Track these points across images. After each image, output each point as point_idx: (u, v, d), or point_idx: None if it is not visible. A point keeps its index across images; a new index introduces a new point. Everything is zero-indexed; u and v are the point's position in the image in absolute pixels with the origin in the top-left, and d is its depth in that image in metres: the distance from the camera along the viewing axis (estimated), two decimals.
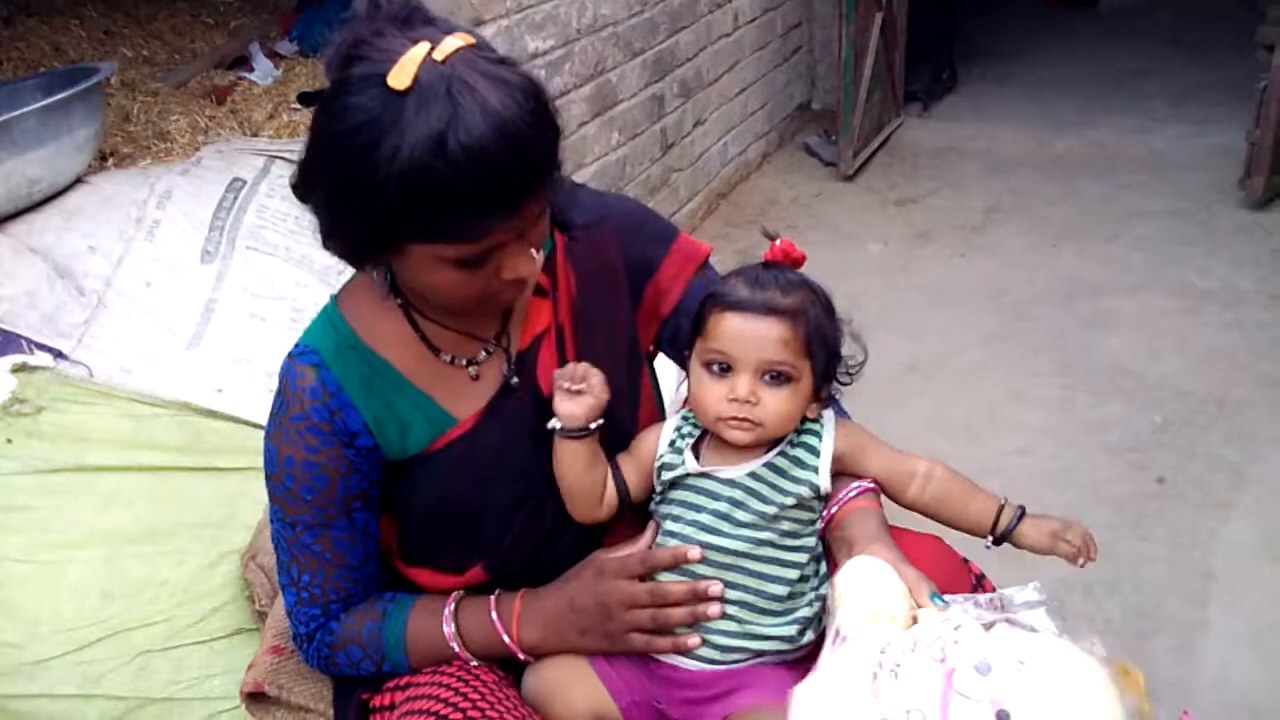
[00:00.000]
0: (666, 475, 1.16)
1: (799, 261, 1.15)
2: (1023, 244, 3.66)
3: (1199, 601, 2.07)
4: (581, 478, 1.16)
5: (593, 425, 1.14)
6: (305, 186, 1.00)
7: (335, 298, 1.17)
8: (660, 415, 1.31)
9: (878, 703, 0.90)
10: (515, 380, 1.18)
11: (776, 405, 1.10)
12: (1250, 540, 2.21)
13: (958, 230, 3.81)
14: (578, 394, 1.13)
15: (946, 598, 1.02)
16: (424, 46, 0.92)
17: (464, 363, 1.17)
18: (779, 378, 1.10)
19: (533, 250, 1.02)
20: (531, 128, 0.92)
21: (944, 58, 5.25)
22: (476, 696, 1.11)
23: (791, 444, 1.15)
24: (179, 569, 1.55)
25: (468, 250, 0.96)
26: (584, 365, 1.14)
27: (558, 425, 1.14)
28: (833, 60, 4.72)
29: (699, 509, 1.13)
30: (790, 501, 1.12)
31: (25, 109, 1.96)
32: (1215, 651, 1.95)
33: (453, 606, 1.18)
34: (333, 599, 1.19)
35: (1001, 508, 1.17)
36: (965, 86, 5.33)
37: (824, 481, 1.14)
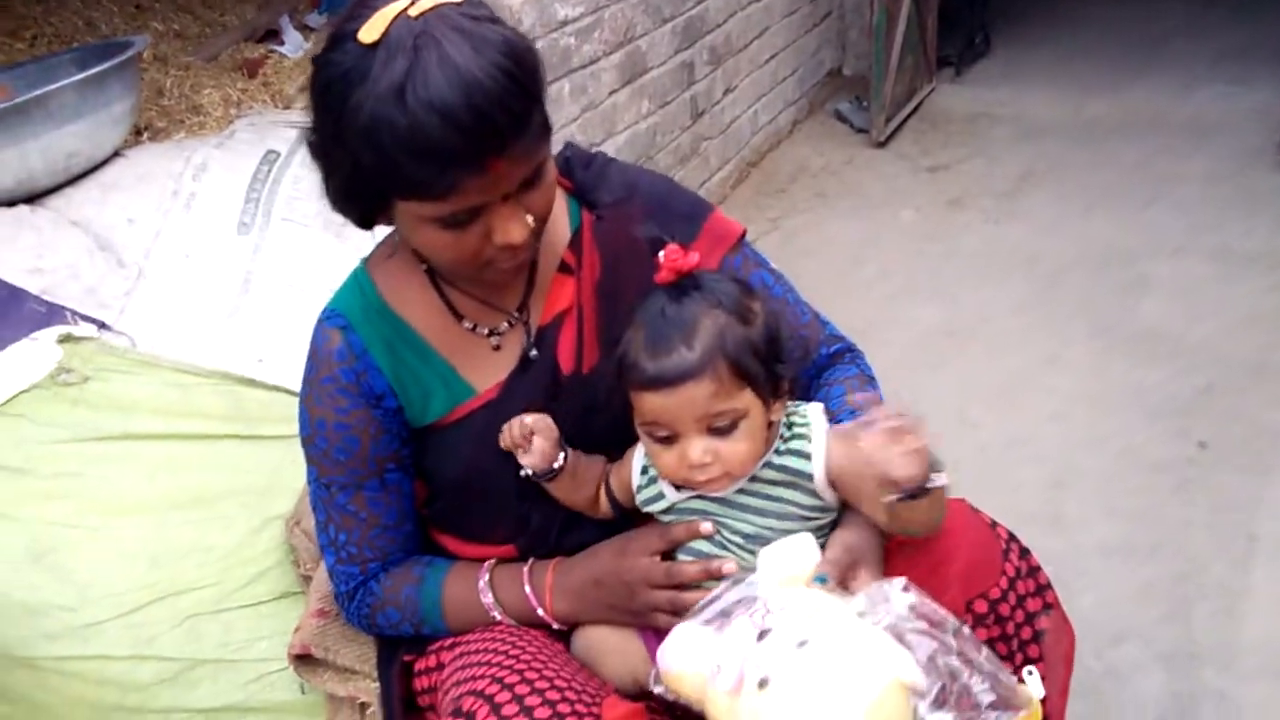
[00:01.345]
0: (651, 508, 1.14)
1: (694, 269, 1.04)
2: (1057, 210, 3.61)
3: (1242, 566, 2.05)
4: (573, 499, 1.18)
5: (556, 465, 1.13)
6: (310, 148, 1.04)
7: (365, 261, 1.19)
8: None
9: (711, 643, 0.94)
10: (534, 354, 1.18)
11: (736, 450, 1.04)
12: None
13: (991, 196, 3.77)
14: (526, 447, 1.12)
15: (868, 592, 0.96)
16: (401, 3, 0.93)
17: (486, 332, 1.18)
18: (726, 427, 1.03)
19: (528, 217, 1.01)
20: (498, 84, 0.91)
21: (977, 22, 5.17)
22: (531, 654, 1.12)
23: (778, 452, 1.09)
24: (225, 535, 1.57)
25: (444, 209, 0.97)
26: (517, 423, 1.13)
27: (527, 473, 1.15)
28: (864, 25, 4.66)
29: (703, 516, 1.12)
30: (789, 510, 1.09)
31: (63, 83, 1.97)
32: (1259, 616, 1.94)
33: (487, 576, 1.20)
34: (370, 558, 1.20)
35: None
36: (999, 51, 5.25)
37: (825, 495, 1.09)
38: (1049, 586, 1.18)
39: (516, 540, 1.23)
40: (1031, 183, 3.84)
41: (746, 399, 1.03)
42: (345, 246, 2.19)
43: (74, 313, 1.80)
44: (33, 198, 2.02)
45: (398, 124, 0.90)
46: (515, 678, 1.06)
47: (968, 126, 4.41)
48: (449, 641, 1.24)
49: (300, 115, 2.61)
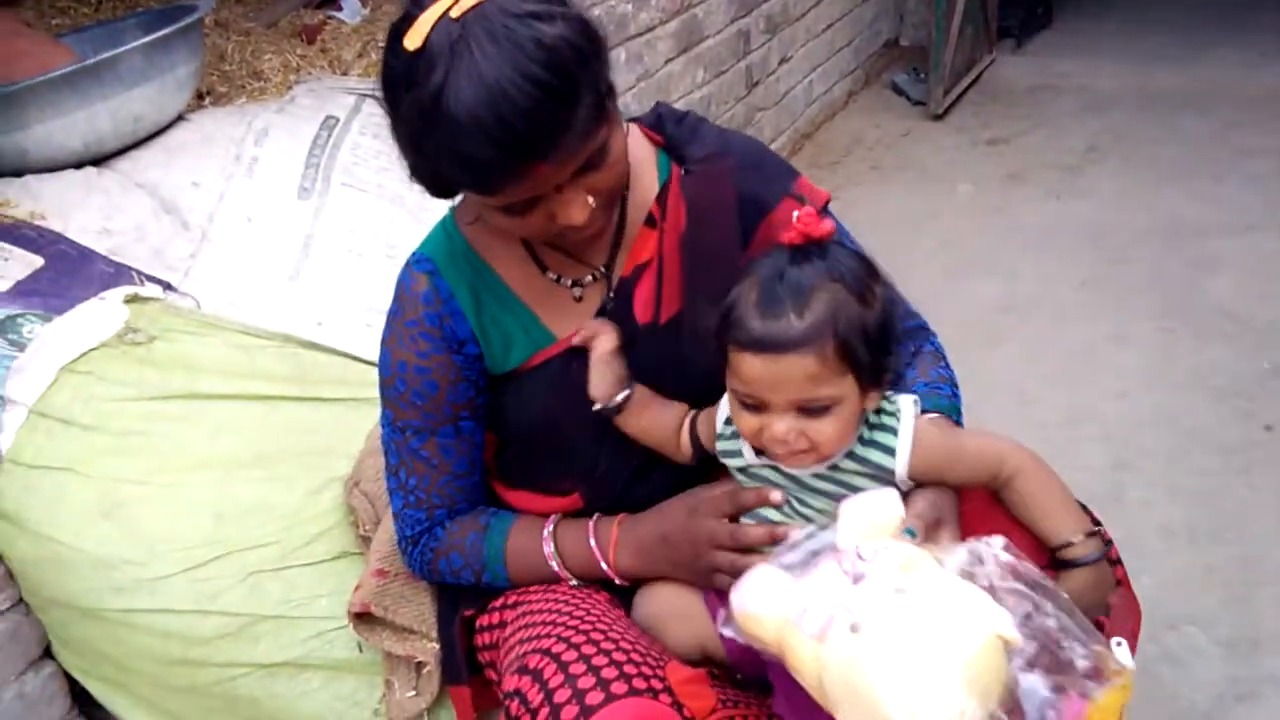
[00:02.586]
0: (728, 462, 1.13)
1: (825, 238, 1.00)
2: (1122, 184, 3.52)
3: None
4: (648, 437, 1.17)
5: (620, 398, 1.15)
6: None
7: (453, 210, 1.20)
8: None
9: (794, 586, 0.91)
10: (611, 303, 1.19)
11: (823, 434, 0.99)
12: None
13: (1053, 170, 3.68)
14: (598, 371, 1.13)
15: (968, 546, 0.93)
16: (443, 4, 0.93)
17: (569, 283, 1.19)
18: (817, 410, 0.98)
19: (589, 198, 1.02)
20: (527, 96, 0.90)
21: None
22: (596, 616, 1.12)
23: (862, 441, 1.05)
24: (287, 494, 1.60)
25: (500, 200, 0.99)
26: (593, 324, 1.15)
27: (597, 406, 1.16)
28: None
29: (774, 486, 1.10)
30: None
31: (130, 45, 1.99)
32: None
33: (551, 527, 1.21)
34: (437, 504, 1.22)
35: (1090, 535, 1.05)
36: (1061, 21, 5.12)
37: (905, 487, 1.05)
38: (1119, 562, 1.15)
39: (582, 489, 1.24)
40: (1096, 156, 3.75)
41: (846, 386, 0.98)
42: (402, 213, 2.19)
43: (140, 273, 1.83)
44: (99, 160, 2.05)
45: (437, 134, 0.93)
46: (581, 638, 1.07)
47: (1029, 99, 4.31)
48: (512, 599, 1.25)
49: (358, 82, 2.63)
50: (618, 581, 1.19)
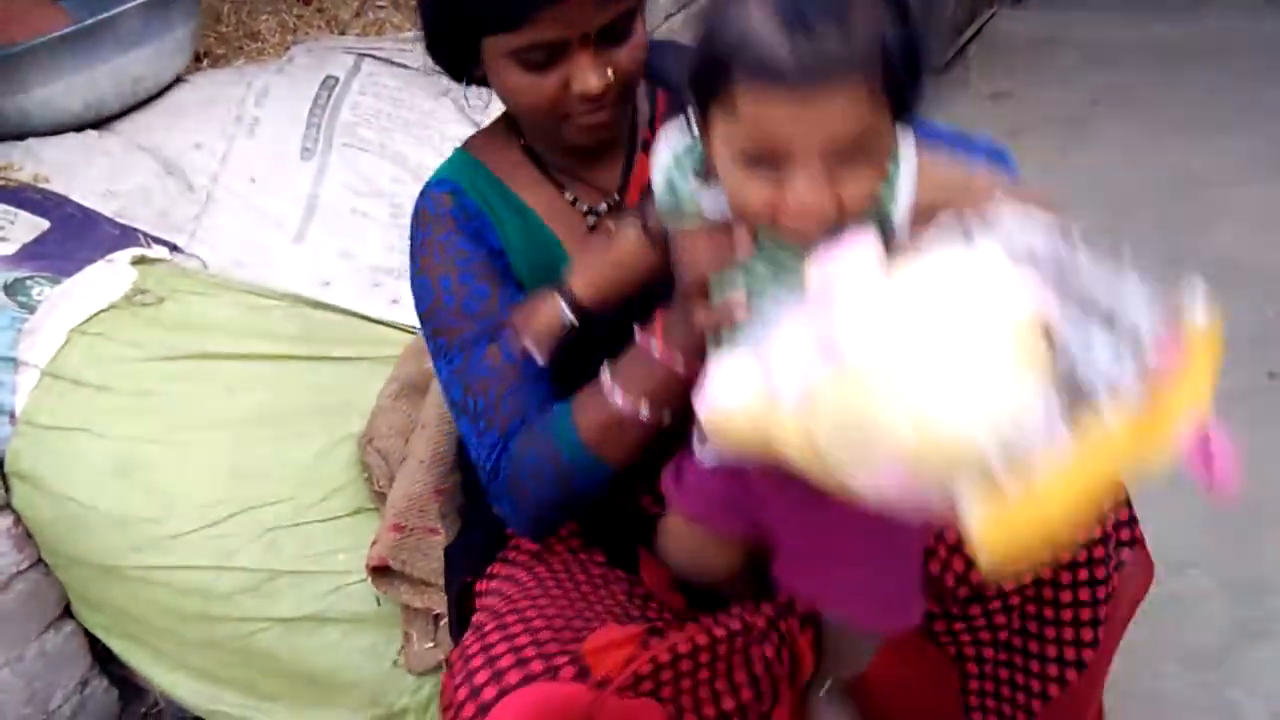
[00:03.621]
0: (670, 219, 0.91)
1: None
2: (1127, 138, 3.49)
3: None
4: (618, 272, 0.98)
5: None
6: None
7: (463, 146, 1.19)
8: None
9: (760, 364, 0.73)
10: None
11: (860, 186, 0.76)
12: None
13: (1057, 124, 3.65)
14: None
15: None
16: None
17: (585, 209, 1.17)
18: (852, 158, 0.74)
19: (608, 70, 1.01)
20: None
21: None
22: (545, 588, 1.14)
23: None
24: (301, 451, 1.61)
25: (523, 39, 0.97)
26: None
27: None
28: None
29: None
30: None
31: (128, 5, 1.98)
32: None
33: (607, 373, 1.04)
34: (508, 414, 1.10)
35: None
36: None
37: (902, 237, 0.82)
38: (1136, 521, 1.16)
39: None
40: (1100, 110, 3.72)
41: (885, 121, 0.75)
42: (405, 173, 2.19)
43: (147, 235, 1.82)
44: (100, 123, 2.04)
45: None
46: (514, 616, 1.08)
47: (1031, 52, 4.27)
48: (499, 569, 1.24)
49: (356, 41, 2.61)
50: (680, 370, 0.98)
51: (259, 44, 2.49)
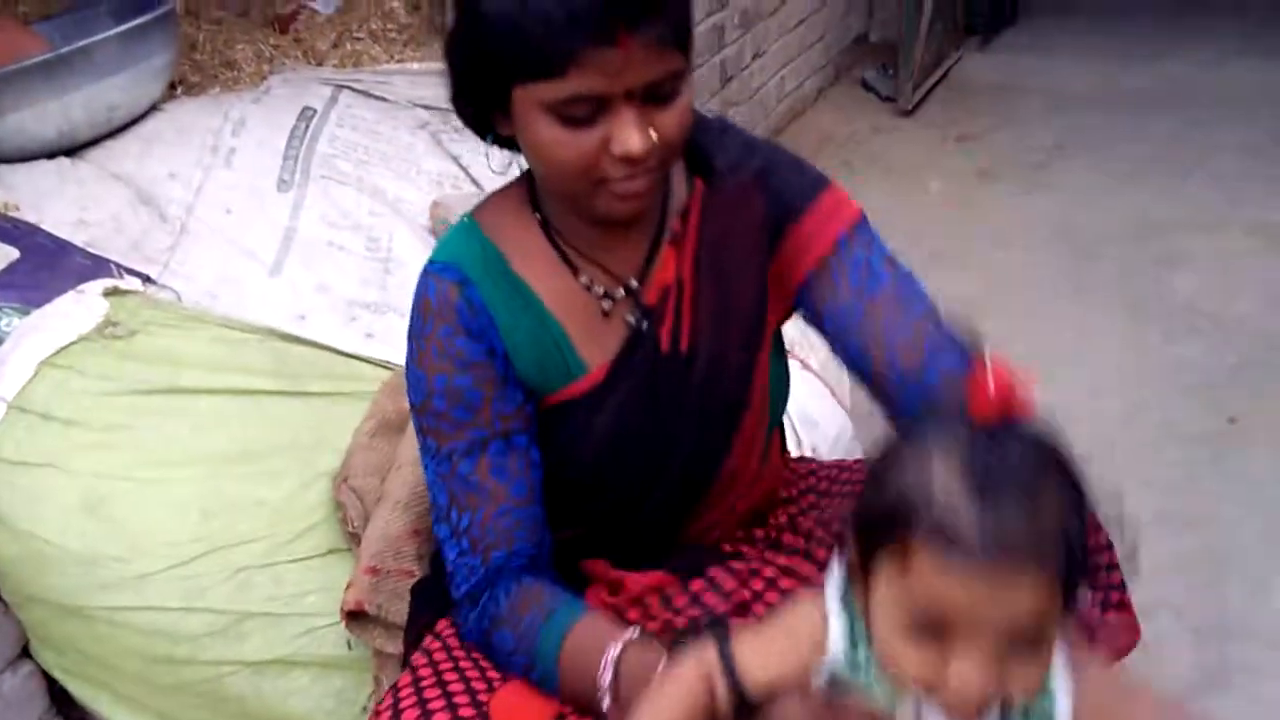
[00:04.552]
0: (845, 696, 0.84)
1: (1027, 408, 0.75)
2: (1090, 182, 3.58)
3: (1273, 538, 2.05)
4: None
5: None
6: (445, 47, 1.01)
7: (473, 214, 1.13)
8: (779, 390, 1.22)
9: None
10: (645, 325, 1.11)
11: (1025, 685, 0.74)
12: None
13: (1021, 168, 3.74)
14: None
15: None
16: None
17: (601, 293, 1.11)
18: (1025, 647, 0.73)
19: (652, 133, 0.95)
20: None
21: None
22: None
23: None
24: (274, 489, 1.58)
25: (564, 90, 0.92)
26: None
27: None
28: None
29: None
30: None
31: (106, 34, 1.96)
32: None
33: (617, 650, 1.00)
34: (493, 544, 1.07)
35: None
36: (1025, 19, 5.20)
37: None
38: (1125, 587, 1.13)
39: (577, 529, 1.17)
40: (1063, 154, 3.81)
41: (1058, 613, 0.73)
42: (384, 207, 2.18)
43: (119, 266, 1.80)
44: (73, 150, 2.02)
45: None
46: (434, 674, 1.09)
47: (997, 96, 4.36)
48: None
49: (333, 73, 2.61)
50: None
51: (235, 73, 2.48)
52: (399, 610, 1.42)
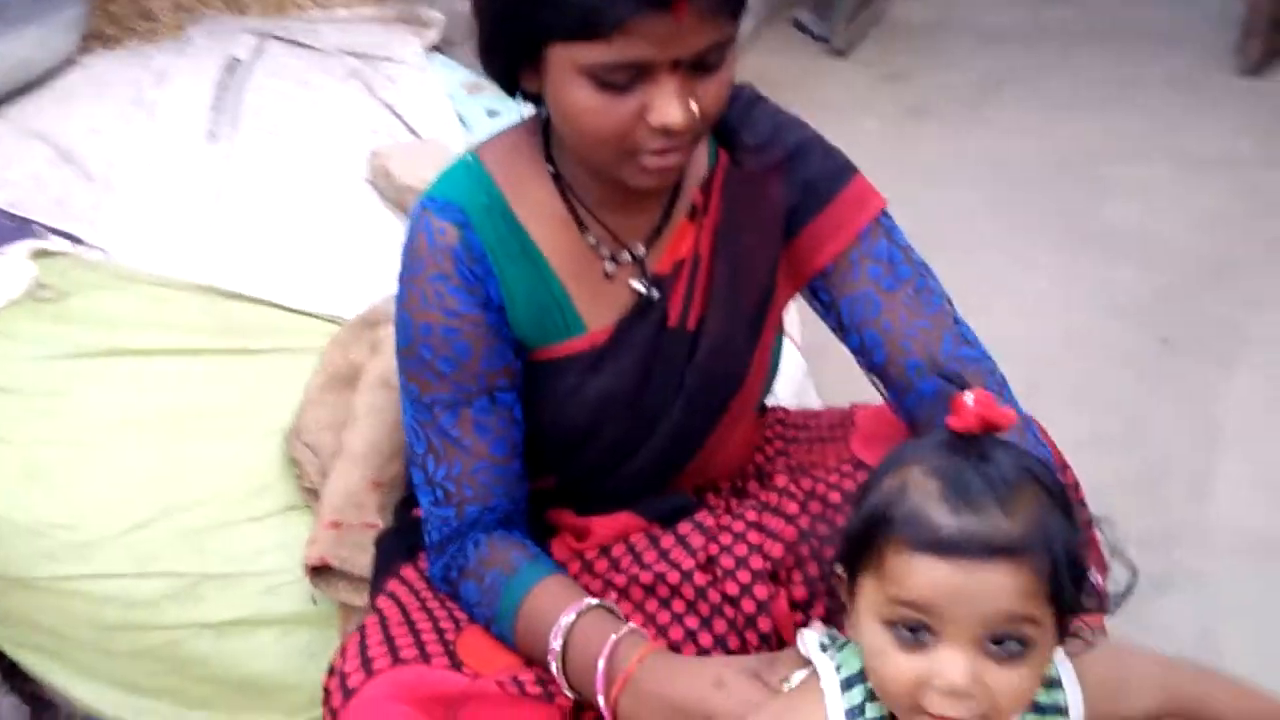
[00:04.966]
0: None
1: (1002, 428, 0.75)
2: (1019, 116, 3.62)
3: (1208, 452, 2.14)
4: None
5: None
6: None
7: (478, 152, 1.08)
8: (773, 368, 1.22)
9: None
10: (655, 295, 1.09)
11: (1011, 690, 0.73)
12: (1255, 394, 2.27)
13: (954, 104, 3.76)
14: None
15: None
16: None
17: (606, 254, 1.08)
18: (1010, 649, 0.72)
19: (693, 105, 0.90)
20: None
21: None
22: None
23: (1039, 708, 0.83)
24: (223, 449, 1.54)
25: (607, 55, 0.86)
26: None
27: None
28: None
29: None
30: None
31: None
32: (1227, 497, 2.03)
33: (572, 616, 0.99)
34: (469, 498, 1.06)
35: None
36: None
37: None
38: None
39: (558, 479, 1.16)
40: (993, 90, 3.85)
41: (1047, 621, 0.74)
42: (320, 159, 2.12)
43: (44, 226, 1.72)
44: None
45: None
46: (401, 614, 1.08)
47: (928, 34, 4.38)
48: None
49: (259, 21, 2.51)
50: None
51: (153, 24, 2.37)
52: (363, 563, 1.40)
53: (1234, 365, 2.35)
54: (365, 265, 1.96)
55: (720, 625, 1.05)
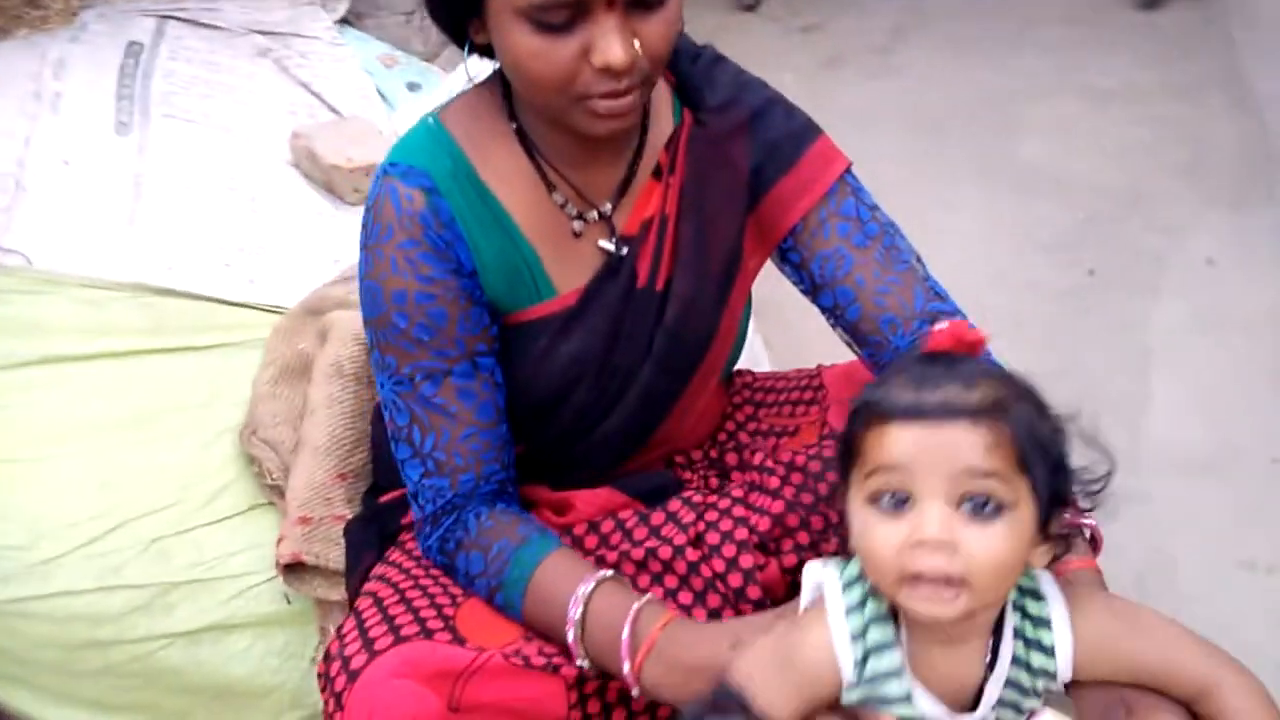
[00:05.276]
0: (878, 710, 0.85)
1: (976, 349, 0.82)
2: (929, 61, 3.68)
3: (1141, 377, 2.21)
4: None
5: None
6: None
7: (439, 114, 1.05)
8: (741, 335, 1.22)
9: None
10: (624, 251, 1.08)
11: (987, 549, 0.75)
12: (1180, 318, 2.36)
13: (866, 52, 3.80)
14: None
15: None
16: None
17: (574, 213, 1.07)
18: (986, 505, 0.75)
19: (635, 43, 0.89)
20: None
21: None
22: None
23: (1024, 639, 0.84)
24: (174, 452, 1.49)
25: None
26: None
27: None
28: None
29: None
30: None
31: None
32: (1161, 419, 2.11)
33: (590, 586, 0.97)
34: (461, 467, 1.04)
35: None
36: None
37: (1061, 684, 0.85)
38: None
39: (529, 446, 1.15)
40: (902, 37, 3.89)
41: (1021, 489, 0.76)
42: (236, 142, 2.04)
43: None
44: None
45: None
46: (395, 594, 1.05)
47: None
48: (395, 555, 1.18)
49: (153, 3, 2.39)
50: (634, 692, 0.95)
51: (43, 11, 2.23)
52: (336, 556, 1.37)
53: (1158, 292, 2.43)
54: (298, 251, 1.90)
55: (714, 600, 1.05)
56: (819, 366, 1.36)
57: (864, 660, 0.83)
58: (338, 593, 1.38)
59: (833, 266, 1.10)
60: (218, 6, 2.39)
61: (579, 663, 0.97)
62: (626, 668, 0.94)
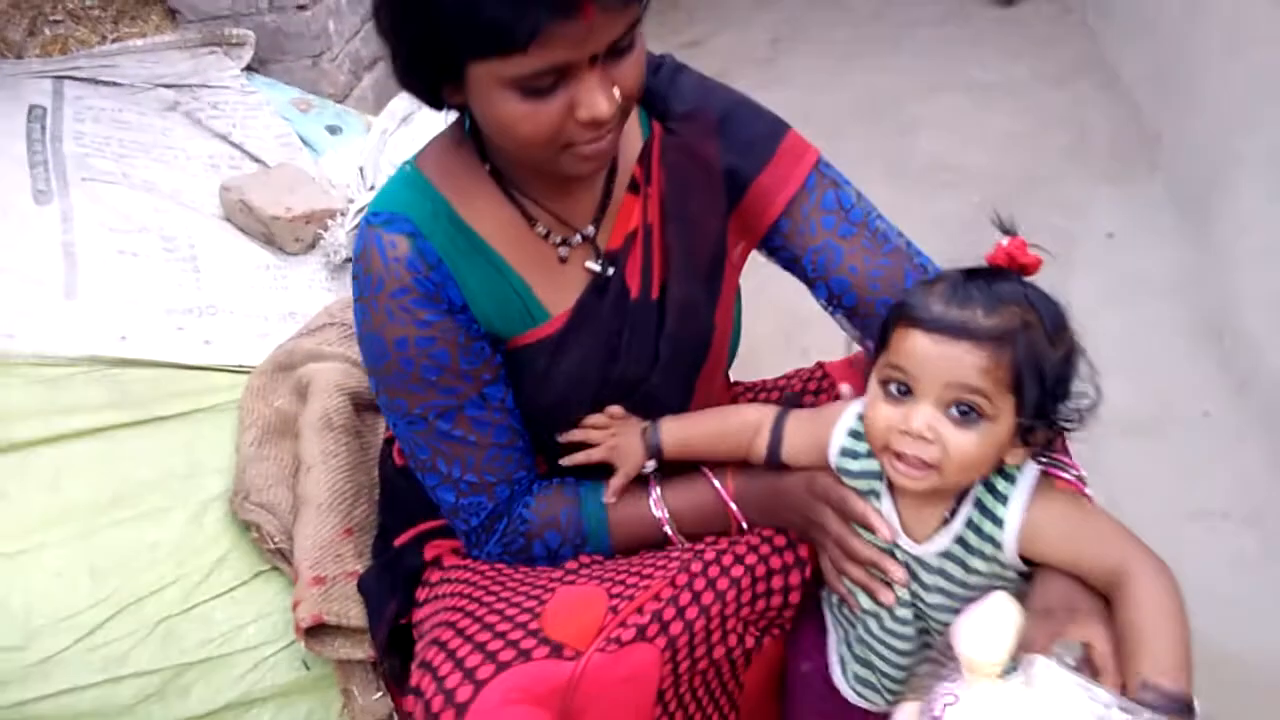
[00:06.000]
0: (850, 480, 1.06)
1: (1028, 269, 0.93)
2: (814, 68, 3.81)
3: None
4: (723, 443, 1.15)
5: (647, 469, 1.15)
6: (377, 19, 0.94)
7: (415, 162, 1.06)
8: (737, 327, 1.26)
9: None
10: (610, 271, 1.11)
11: (960, 447, 0.90)
12: (1093, 290, 2.51)
13: (750, 65, 3.91)
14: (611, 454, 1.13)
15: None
16: None
17: (557, 240, 1.09)
18: (968, 413, 0.90)
19: (615, 91, 0.91)
20: None
21: None
22: (489, 578, 1.12)
23: (981, 508, 0.97)
24: (163, 528, 1.41)
25: (526, 66, 0.87)
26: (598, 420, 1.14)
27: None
28: None
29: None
30: (981, 582, 0.98)
31: None
32: (1092, 386, 2.24)
33: (658, 492, 1.15)
34: (494, 482, 1.10)
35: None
36: None
37: (1010, 559, 0.96)
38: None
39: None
40: (783, 47, 4.03)
41: (1004, 406, 0.89)
42: (165, 201, 1.95)
43: None
44: None
45: None
46: (467, 620, 1.05)
47: (707, 2, 4.51)
48: (423, 595, 1.20)
49: (42, 64, 2.27)
50: (743, 523, 1.14)
51: None
52: (357, 613, 1.33)
53: (1070, 266, 2.58)
54: (249, 307, 1.83)
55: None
56: (819, 363, 1.41)
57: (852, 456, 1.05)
58: (361, 651, 1.34)
59: (824, 260, 1.15)
60: (113, 63, 2.28)
61: (679, 539, 1.15)
62: (735, 507, 1.13)
